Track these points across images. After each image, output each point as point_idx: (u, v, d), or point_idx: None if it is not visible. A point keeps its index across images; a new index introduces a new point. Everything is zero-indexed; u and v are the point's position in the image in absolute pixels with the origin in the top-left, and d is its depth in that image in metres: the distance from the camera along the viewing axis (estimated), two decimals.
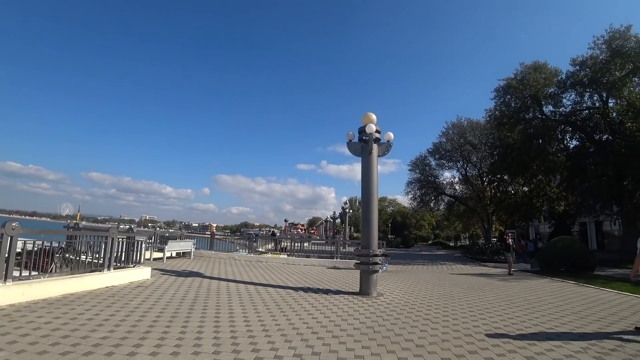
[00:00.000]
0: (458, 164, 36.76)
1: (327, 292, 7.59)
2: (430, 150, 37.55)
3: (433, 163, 38.48)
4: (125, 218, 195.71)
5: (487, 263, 17.94)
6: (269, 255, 15.51)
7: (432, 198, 40.11)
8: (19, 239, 6.95)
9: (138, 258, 9.02)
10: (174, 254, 13.93)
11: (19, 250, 6.31)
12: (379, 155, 7.97)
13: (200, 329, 4.54)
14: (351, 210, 35.53)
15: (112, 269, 7.70)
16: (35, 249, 6.63)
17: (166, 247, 12.39)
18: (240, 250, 16.69)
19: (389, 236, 57.89)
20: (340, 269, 12.72)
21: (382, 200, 75.93)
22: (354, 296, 7.11)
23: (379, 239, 7.84)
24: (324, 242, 19.74)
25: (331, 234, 41.02)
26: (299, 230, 65.95)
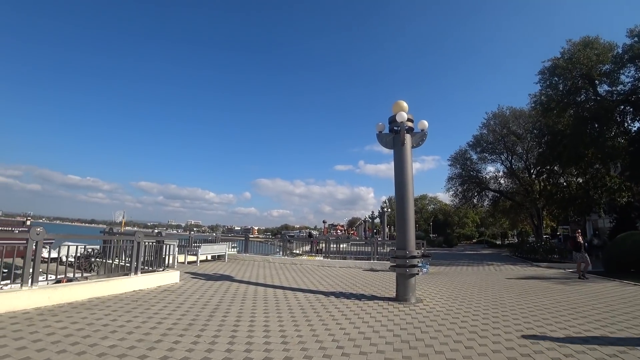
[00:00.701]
0: (502, 156, 34.15)
1: (360, 297, 6.97)
2: (471, 143, 35.25)
3: (474, 157, 36.08)
4: (173, 223, 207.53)
5: (539, 263, 16.11)
6: (305, 257, 15.12)
7: (475, 194, 37.62)
8: (70, 243, 7.23)
9: (167, 262, 9.00)
10: (209, 257, 14.00)
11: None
12: (412, 146, 7.22)
13: (215, 339, 4.15)
14: (390, 210, 34.29)
15: (139, 272, 7.64)
16: (78, 254, 6.80)
17: (199, 250, 12.40)
18: (279, 252, 16.35)
19: (431, 235, 55.56)
20: (377, 271, 12.00)
21: (422, 198, 73.51)
22: (390, 302, 6.42)
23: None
24: (363, 242, 19.02)
25: (370, 234, 40.02)
26: (339, 231, 65.24)
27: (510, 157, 33.41)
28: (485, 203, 39.80)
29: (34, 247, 5.74)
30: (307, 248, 18.23)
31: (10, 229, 14.73)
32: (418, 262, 6.63)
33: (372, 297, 6.95)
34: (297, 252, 17.33)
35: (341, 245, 16.93)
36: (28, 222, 23.68)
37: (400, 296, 6.53)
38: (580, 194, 23.92)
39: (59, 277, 6.95)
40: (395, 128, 7.10)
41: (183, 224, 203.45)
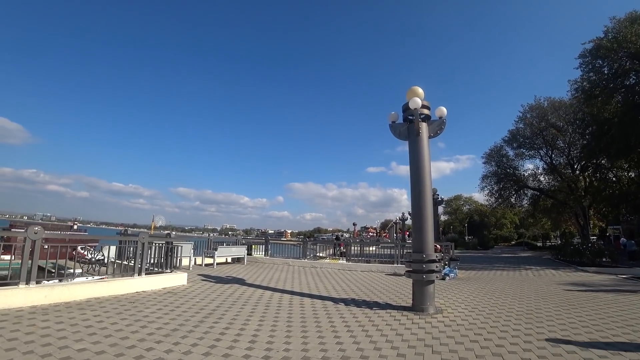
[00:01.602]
0: (541, 151, 31.62)
1: (372, 305, 6.27)
2: (507, 138, 32.92)
3: (511, 153, 33.69)
4: (209, 227, 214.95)
5: (586, 268, 14.33)
6: (327, 260, 14.52)
7: (513, 192, 35.16)
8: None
9: (176, 263, 8.76)
10: (229, 260, 13.80)
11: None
12: (430, 136, 6.42)
13: (192, 348, 3.73)
14: None
15: (143, 274, 7.43)
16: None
17: (216, 253, 12.18)
18: (310, 256, 15.85)
19: (467, 237, 52.92)
20: (400, 275, 11.15)
21: (457, 198, 70.61)
22: (404, 313, 5.67)
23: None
24: (392, 245, 18.03)
25: (400, 236, 38.63)
26: (370, 233, 63.99)
27: (550, 152, 30.88)
28: (524, 202, 37.11)
29: (30, 245, 5.68)
30: (330, 251, 17.61)
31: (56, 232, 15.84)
32: (437, 266, 5.82)
33: (386, 306, 6.22)
34: (322, 255, 16.77)
35: (370, 248, 16.16)
36: (75, 227, 24.98)
37: (417, 306, 5.76)
38: (633, 190, 21.49)
39: (99, 277, 6.97)
40: (410, 117, 6.33)
41: (219, 228, 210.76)
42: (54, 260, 7.20)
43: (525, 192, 35.31)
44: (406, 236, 35.40)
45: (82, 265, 8.98)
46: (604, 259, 15.83)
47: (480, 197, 44.59)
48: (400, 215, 37.21)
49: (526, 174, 34.31)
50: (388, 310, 5.81)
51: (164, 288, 7.55)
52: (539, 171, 33.74)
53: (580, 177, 28.64)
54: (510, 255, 28.41)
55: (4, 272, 5.90)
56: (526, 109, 30.51)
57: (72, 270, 6.68)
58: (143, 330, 4.30)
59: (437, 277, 5.87)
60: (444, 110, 6.39)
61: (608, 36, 18.13)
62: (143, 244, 7.51)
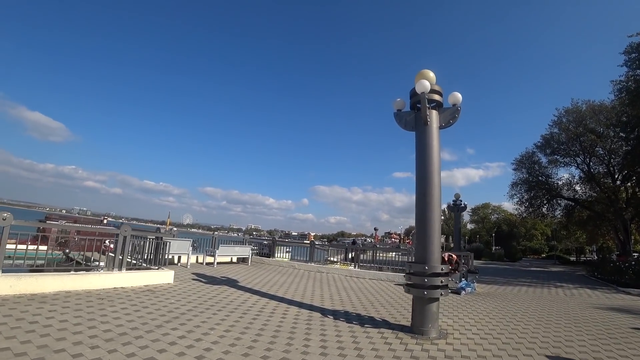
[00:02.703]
0: (577, 159, 29.02)
1: (366, 321, 5.41)
2: (539, 144, 30.50)
3: (543, 160, 31.18)
4: (234, 227, 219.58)
5: (629, 289, 12.56)
6: (338, 265, 13.68)
7: (545, 202, 32.60)
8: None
9: (164, 260, 8.23)
10: (234, 259, 13.28)
11: None
12: (441, 126, 5.47)
13: (129, 358, 3.05)
14: (442, 217, 31.07)
15: (124, 269, 6.95)
16: None
17: (217, 252, 11.65)
18: (321, 260, 15.08)
19: (494, 247, 50.21)
20: None
21: (484, 206, 67.64)
22: (400, 335, 4.75)
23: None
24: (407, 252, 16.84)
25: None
26: (393, 239, 62.25)
27: (587, 160, 28.33)
28: (557, 213, 34.41)
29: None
30: (344, 256, 16.72)
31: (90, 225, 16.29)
32: (442, 281, 4.86)
33: (382, 324, 5.33)
34: (333, 259, 15.93)
35: (383, 254, 15.07)
36: (105, 221, 25.64)
37: (416, 327, 4.82)
38: None
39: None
40: (418, 105, 5.40)
41: (243, 228, 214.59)
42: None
43: (559, 201, 32.73)
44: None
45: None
46: None
47: (510, 206, 42.03)
48: None
49: (560, 183, 31.76)
50: (381, 330, 4.92)
51: (146, 285, 7.05)
52: (575, 180, 31.13)
53: (622, 188, 26.10)
54: (539, 269, 26.36)
55: None
56: (561, 112, 28.18)
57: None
58: (87, 332, 3.77)
59: (441, 294, 4.90)
60: (458, 96, 5.43)
61: None
62: (124, 237, 7.03)
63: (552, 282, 14.84)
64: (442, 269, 4.92)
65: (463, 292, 9.23)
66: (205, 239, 13.96)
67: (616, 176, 27.20)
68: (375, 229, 51.59)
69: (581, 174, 29.84)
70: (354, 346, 4.05)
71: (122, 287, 6.52)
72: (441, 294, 4.89)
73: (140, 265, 7.92)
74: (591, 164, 28.48)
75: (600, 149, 26.98)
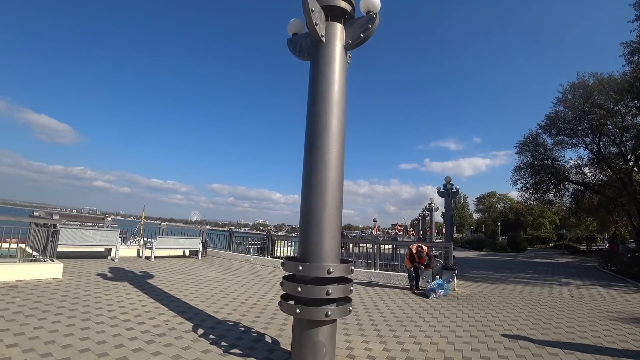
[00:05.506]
0: (586, 139, 26.72)
1: (244, 343, 3.91)
2: (543, 124, 28.12)
3: (548, 141, 28.84)
4: (242, 222, 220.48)
5: None
6: None
7: (551, 187, 30.34)
8: None
9: (53, 251, 6.82)
10: (187, 253, 11.89)
11: None
12: (347, 45, 3.73)
13: None
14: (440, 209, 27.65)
15: None
16: None
17: (154, 244, 10.23)
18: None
19: (500, 237, 47.94)
20: (375, 286, 8.59)
21: (490, 195, 65.05)
22: None
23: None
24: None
25: (428, 234, 34.38)
26: (397, 231, 60.44)
27: (597, 139, 26.04)
28: (565, 199, 32.13)
29: None
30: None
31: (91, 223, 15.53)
32: (330, 292, 3.10)
33: (262, 348, 3.77)
34: None
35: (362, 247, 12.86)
36: (109, 219, 24.79)
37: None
38: None
39: None
40: (316, 22, 3.76)
41: (251, 223, 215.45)
42: None
43: (567, 186, 30.45)
44: (435, 234, 31.03)
45: None
46: None
47: (515, 193, 39.54)
48: (427, 204, 29.97)
49: (568, 166, 29.46)
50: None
51: (19, 280, 5.79)
52: (584, 162, 28.79)
53: (635, 169, 23.86)
54: (544, 260, 24.34)
55: None
56: (567, 88, 25.77)
57: None
58: None
59: (328, 313, 3.08)
60: (375, 2, 3.76)
61: None
62: None
63: (556, 277, 12.62)
64: (330, 270, 3.15)
65: (433, 295, 7.39)
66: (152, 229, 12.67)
67: (629, 157, 24.89)
68: (374, 220, 49.46)
69: (590, 155, 27.53)
70: None
71: None
72: (327, 314, 3.06)
73: (36, 257, 6.60)
74: (601, 143, 26.15)
75: (610, 126, 24.73)
